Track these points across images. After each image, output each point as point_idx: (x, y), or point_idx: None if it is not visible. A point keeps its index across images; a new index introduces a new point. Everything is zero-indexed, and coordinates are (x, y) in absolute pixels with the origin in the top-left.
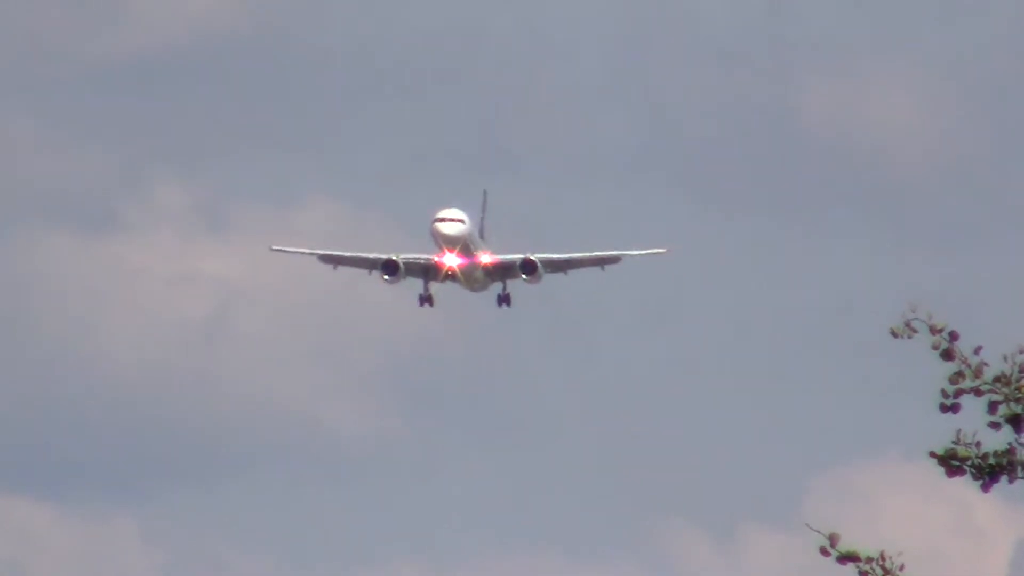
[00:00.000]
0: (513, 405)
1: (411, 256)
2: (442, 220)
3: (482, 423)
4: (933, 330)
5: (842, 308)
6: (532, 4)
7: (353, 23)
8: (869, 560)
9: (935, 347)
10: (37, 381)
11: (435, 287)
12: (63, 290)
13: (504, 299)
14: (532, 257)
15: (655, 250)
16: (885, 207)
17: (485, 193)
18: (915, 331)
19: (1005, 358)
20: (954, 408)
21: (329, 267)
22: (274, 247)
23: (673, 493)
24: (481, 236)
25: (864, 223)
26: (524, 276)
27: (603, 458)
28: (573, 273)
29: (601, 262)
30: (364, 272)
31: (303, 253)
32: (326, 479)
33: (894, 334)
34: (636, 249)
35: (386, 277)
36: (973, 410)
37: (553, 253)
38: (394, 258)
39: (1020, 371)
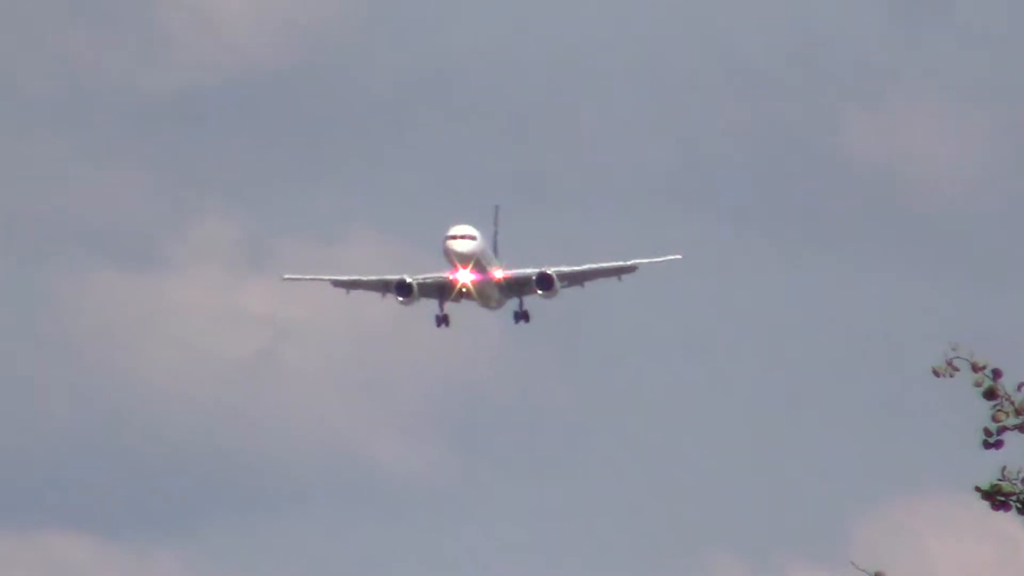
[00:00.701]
0: (540, 427)
1: (424, 276)
2: (454, 237)
3: (510, 447)
4: (975, 368)
5: (886, 342)
6: (554, 25)
7: (388, 55)
8: None
9: (978, 384)
10: (78, 415)
11: (450, 306)
12: (103, 323)
13: (522, 315)
14: (548, 271)
15: (670, 256)
16: (926, 240)
17: (497, 208)
18: (957, 370)
19: None
20: (997, 445)
21: (355, 294)
22: (286, 276)
23: (713, 528)
24: (495, 252)
25: (904, 255)
26: (540, 291)
27: (637, 487)
28: (591, 285)
29: (617, 272)
30: (378, 296)
31: (315, 279)
32: (356, 507)
33: (936, 373)
34: (651, 257)
35: (400, 299)
36: (1018, 446)
37: (568, 266)
38: (407, 279)
39: None
